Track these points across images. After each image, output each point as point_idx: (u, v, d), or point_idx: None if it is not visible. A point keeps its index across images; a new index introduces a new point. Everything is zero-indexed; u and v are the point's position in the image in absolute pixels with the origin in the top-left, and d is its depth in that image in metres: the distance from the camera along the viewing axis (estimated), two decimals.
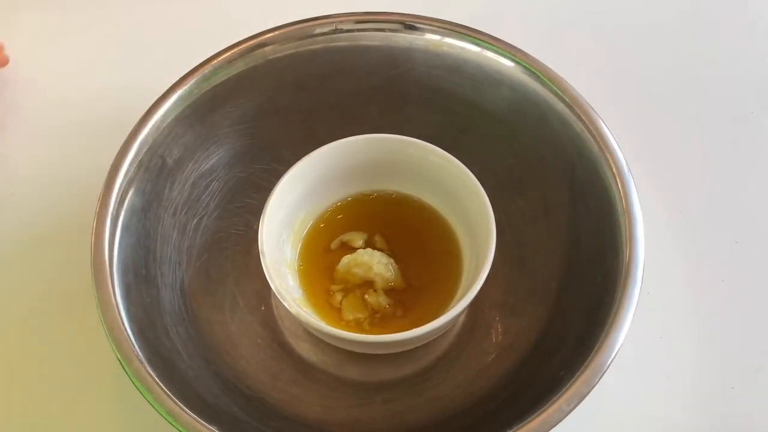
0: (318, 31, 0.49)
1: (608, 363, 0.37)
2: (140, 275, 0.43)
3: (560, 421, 0.36)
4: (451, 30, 0.48)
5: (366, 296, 0.46)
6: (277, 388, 0.45)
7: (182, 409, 0.36)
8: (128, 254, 0.43)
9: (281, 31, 0.49)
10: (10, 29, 0.64)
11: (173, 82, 0.46)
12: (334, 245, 0.49)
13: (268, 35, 0.48)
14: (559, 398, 0.36)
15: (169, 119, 0.46)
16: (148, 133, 0.45)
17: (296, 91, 0.50)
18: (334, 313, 0.46)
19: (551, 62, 0.47)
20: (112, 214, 0.42)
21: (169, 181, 0.46)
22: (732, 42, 0.63)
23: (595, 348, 0.38)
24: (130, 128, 0.44)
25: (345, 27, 0.49)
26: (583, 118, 0.44)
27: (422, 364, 0.46)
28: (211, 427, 0.36)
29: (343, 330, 0.42)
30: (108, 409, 0.45)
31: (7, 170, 0.56)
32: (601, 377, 0.37)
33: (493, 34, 0.48)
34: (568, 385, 0.37)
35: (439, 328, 0.40)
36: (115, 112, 0.56)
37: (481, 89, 0.49)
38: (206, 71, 0.47)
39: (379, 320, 0.46)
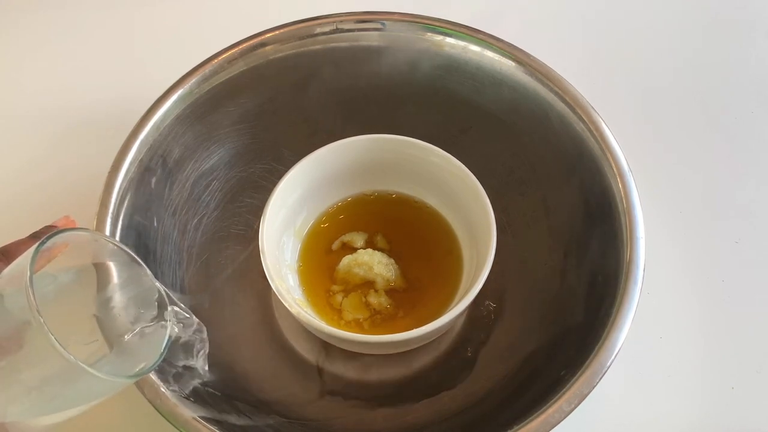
0: (318, 30, 0.49)
1: (609, 363, 0.37)
2: None
3: (560, 421, 0.36)
4: (452, 30, 0.48)
5: (367, 297, 0.46)
6: (277, 389, 0.45)
7: (182, 410, 0.37)
8: None
9: (281, 30, 0.49)
10: (10, 29, 0.64)
11: (173, 82, 0.46)
12: (334, 246, 0.49)
13: (268, 35, 0.48)
14: (559, 398, 0.36)
15: (169, 119, 0.46)
16: (148, 133, 0.45)
17: (296, 91, 0.50)
18: (334, 313, 0.46)
19: (551, 62, 0.47)
20: (112, 214, 0.42)
21: (169, 180, 0.46)
22: (732, 42, 0.63)
23: (596, 348, 0.38)
24: (130, 128, 0.44)
25: (345, 27, 0.49)
26: (584, 118, 0.45)
27: (422, 364, 0.46)
28: (211, 427, 0.36)
29: (344, 330, 0.42)
30: (108, 410, 0.45)
31: (10, 172, 0.56)
32: (601, 377, 0.37)
33: (493, 34, 0.48)
34: (569, 385, 0.37)
35: (439, 329, 0.40)
36: (115, 113, 0.56)
37: (481, 89, 0.49)
38: (206, 71, 0.47)
39: (379, 320, 0.46)
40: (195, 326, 0.36)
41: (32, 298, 0.27)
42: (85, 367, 0.28)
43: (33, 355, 0.29)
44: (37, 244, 0.29)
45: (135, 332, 0.34)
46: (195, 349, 0.39)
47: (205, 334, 0.39)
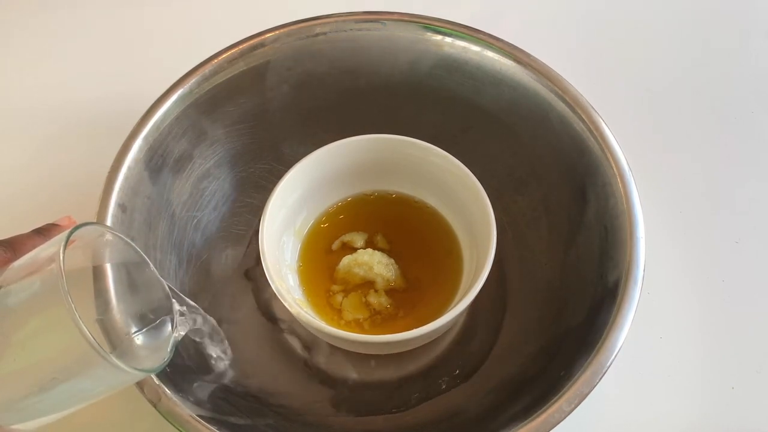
0: (318, 31, 0.49)
1: (609, 363, 0.37)
2: None
3: (561, 421, 0.36)
4: (452, 30, 0.48)
5: (367, 297, 0.46)
6: (277, 388, 0.45)
7: (182, 410, 0.37)
8: None
9: (281, 30, 0.49)
10: (11, 29, 0.64)
11: (173, 82, 0.46)
12: (334, 246, 0.49)
13: (268, 35, 0.48)
14: (559, 398, 0.36)
15: (169, 119, 0.46)
16: (149, 133, 0.45)
17: (296, 91, 0.50)
18: (334, 313, 0.46)
19: (551, 62, 0.47)
20: (112, 214, 0.42)
21: (169, 180, 0.46)
22: (732, 42, 0.63)
23: (596, 348, 0.38)
24: (130, 128, 0.44)
25: (345, 27, 0.49)
26: (584, 117, 0.45)
27: (422, 364, 0.46)
28: (211, 427, 0.36)
29: (344, 330, 0.42)
30: (108, 409, 0.45)
31: (8, 171, 0.56)
32: (601, 377, 0.37)
33: (493, 34, 0.48)
34: (569, 385, 0.37)
35: (439, 329, 0.40)
36: (116, 112, 0.56)
37: (481, 89, 0.49)
38: (206, 71, 0.47)
39: (379, 320, 0.46)
40: (200, 319, 0.36)
41: (64, 283, 0.27)
42: (105, 352, 0.27)
43: (45, 346, 0.28)
44: (68, 231, 0.29)
45: (139, 332, 0.34)
46: (213, 342, 0.40)
47: (218, 329, 0.39)
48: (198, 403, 0.38)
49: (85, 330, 0.27)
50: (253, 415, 0.43)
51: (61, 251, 0.28)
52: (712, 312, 0.49)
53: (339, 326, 0.45)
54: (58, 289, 0.27)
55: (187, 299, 0.36)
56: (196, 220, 0.49)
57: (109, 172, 0.43)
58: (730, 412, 0.45)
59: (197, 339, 0.39)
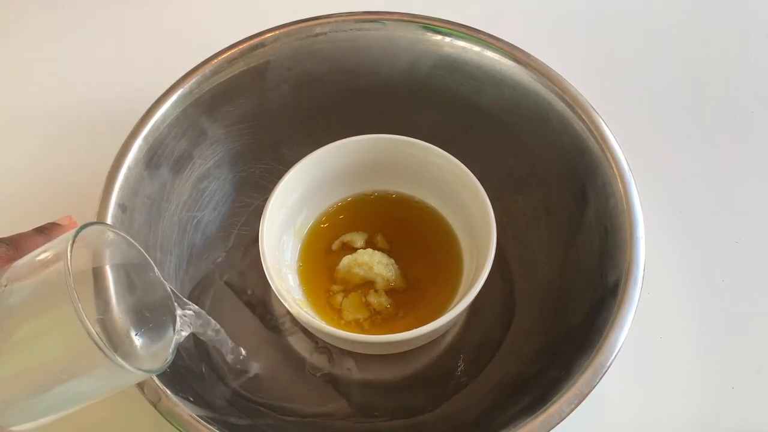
0: (318, 31, 0.49)
1: (609, 363, 0.37)
2: None
3: (560, 421, 0.36)
4: (452, 30, 0.48)
5: (367, 297, 0.46)
6: (277, 388, 0.45)
7: (182, 410, 0.37)
8: None
9: (281, 30, 0.49)
10: (12, 28, 0.64)
11: (173, 81, 0.46)
12: (334, 246, 0.49)
13: (268, 35, 0.48)
14: (559, 399, 0.36)
15: (169, 119, 0.46)
16: (149, 133, 0.45)
17: (296, 91, 0.50)
18: (334, 313, 0.46)
19: (551, 62, 0.47)
20: (112, 214, 0.42)
21: (169, 180, 0.46)
22: (732, 42, 0.63)
23: (596, 348, 0.38)
24: (130, 128, 0.44)
25: (345, 27, 0.49)
26: (584, 117, 0.44)
27: (423, 364, 0.46)
28: (211, 427, 0.36)
29: (344, 330, 0.42)
30: (108, 409, 0.45)
31: (8, 171, 0.56)
32: (601, 377, 0.37)
33: (493, 34, 0.48)
34: (569, 385, 0.37)
35: (439, 329, 0.40)
36: (115, 112, 0.56)
37: (482, 89, 0.49)
38: (206, 71, 0.47)
39: (379, 320, 0.46)
40: (202, 320, 0.36)
41: (71, 281, 0.27)
42: (111, 351, 0.27)
43: (48, 345, 0.28)
44: (75, 230, 0.29)
45: (140, 332, 0.34)
46: (223, 351, 0.40)
47: (222, 332, 0.39)
48: (198, 403, 0.38)
49: (91, 329, 0.27)
50: (253, 415, 0.43)
51: (69, 250, 0.28)
52: (712, 312, 0.49)
53: (339, 326, 0.45)
54: (63, 288, 0.27)
55: (190, 302, 0.36)
56: (196, 220, 0.49)
57: (109, 172, 0.43)
58: (730, 412, 0.45)
59: (204, 339, 0.39)
